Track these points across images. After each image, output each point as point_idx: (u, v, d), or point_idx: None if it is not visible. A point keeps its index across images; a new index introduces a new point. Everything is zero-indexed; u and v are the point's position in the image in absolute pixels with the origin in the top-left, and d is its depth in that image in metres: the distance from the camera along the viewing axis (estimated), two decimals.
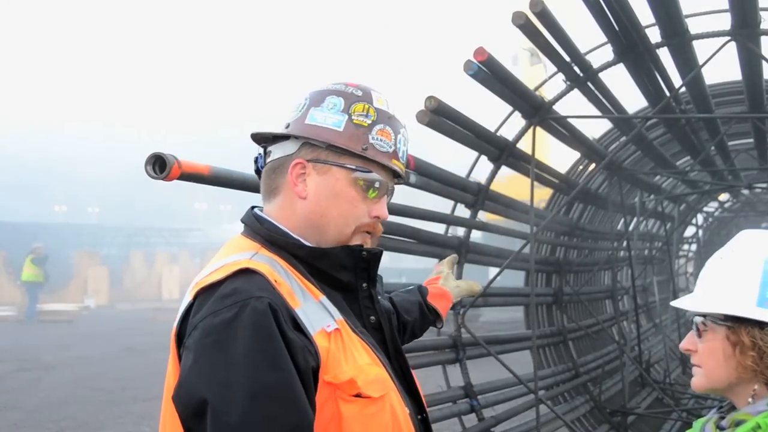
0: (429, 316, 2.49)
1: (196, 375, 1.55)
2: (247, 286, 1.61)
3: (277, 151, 1.84)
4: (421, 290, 2.54)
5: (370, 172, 1.80)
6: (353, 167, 1.79)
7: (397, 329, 2.27)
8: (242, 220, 1.90)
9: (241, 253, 1.75)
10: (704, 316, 1.78)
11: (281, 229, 1.81)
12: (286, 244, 1.78)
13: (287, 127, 1.83)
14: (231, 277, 1.64)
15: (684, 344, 1.84)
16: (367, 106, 1.81)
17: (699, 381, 1.82)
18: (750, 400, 1.72)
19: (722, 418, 1.79)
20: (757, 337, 1.68)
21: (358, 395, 1.63)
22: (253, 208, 1.90)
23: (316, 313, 1.68)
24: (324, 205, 1.79)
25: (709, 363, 1.77)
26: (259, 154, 1.90)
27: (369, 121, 1.80)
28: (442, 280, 2.67)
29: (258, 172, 1.91)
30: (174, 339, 1.70)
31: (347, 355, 1.66)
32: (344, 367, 1.64)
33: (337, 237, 1.81)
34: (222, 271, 1.67)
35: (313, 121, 1.79)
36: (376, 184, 1.81)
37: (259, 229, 1.82)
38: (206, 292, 1.65)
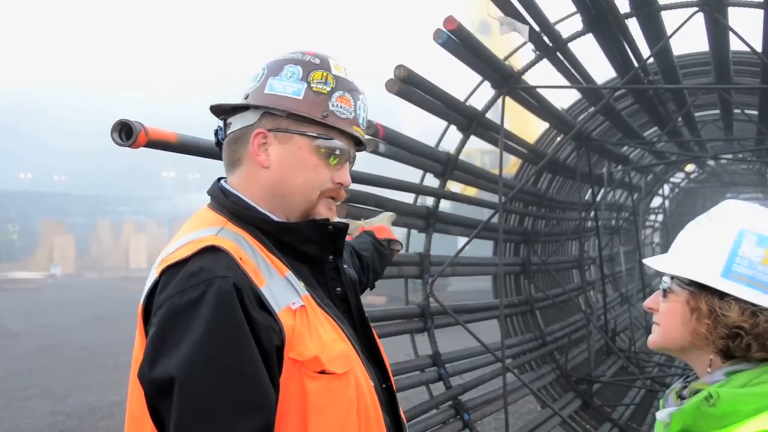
0: (384, 250, 2.70)
1: (162, 354, 1.56)
2: (212, 265, 1.62)
3: (238, 122, 1.83)
4: (367, 233, 2.72)
5: (332, 139, 1.81)
6: (315, 135, 1.79)
7: (362, 270, 2.46)
8: (208, 192, 1.89)
9: (206, 228, 1.75)
10: (672, 277, 1.80)
11: (247, 203, 1.80)
12: (252, 219, 1.79)
13: (246, 97, 1.82)
14: (197, 255, 1.64)
15: (648, 302, 1.87)
16: (325, 74, 1.81)
17: (655, 338, 1.86)
18: (708, 369, 1.74)
19: (685, 387, 1.81)
20: (715, 306, 1.69)
21: (322, 372, 1.64)
22: (219, 179, 1.89)
23: (282, 290, 1.68)
24: (288, 173, 1.79)
25: (667, 323, 1.81)
26: (219, 126, 1.88)
27: (328, 89, 1.80)
28: (365, 225, 2.84)
29: (219, 144, 1.90)
30: (140, 315, 1.70)
31: (312, 332, 1.67)
32: (309, 344, 1.65)
33: (304, 204, 1.81)
34: (188, 248, 1.67)
35: (272, 90, 1.79)
36: (338, 151, 1.82)
37: (224, 202, 1.82)
38: (172, 269, 1.65)
